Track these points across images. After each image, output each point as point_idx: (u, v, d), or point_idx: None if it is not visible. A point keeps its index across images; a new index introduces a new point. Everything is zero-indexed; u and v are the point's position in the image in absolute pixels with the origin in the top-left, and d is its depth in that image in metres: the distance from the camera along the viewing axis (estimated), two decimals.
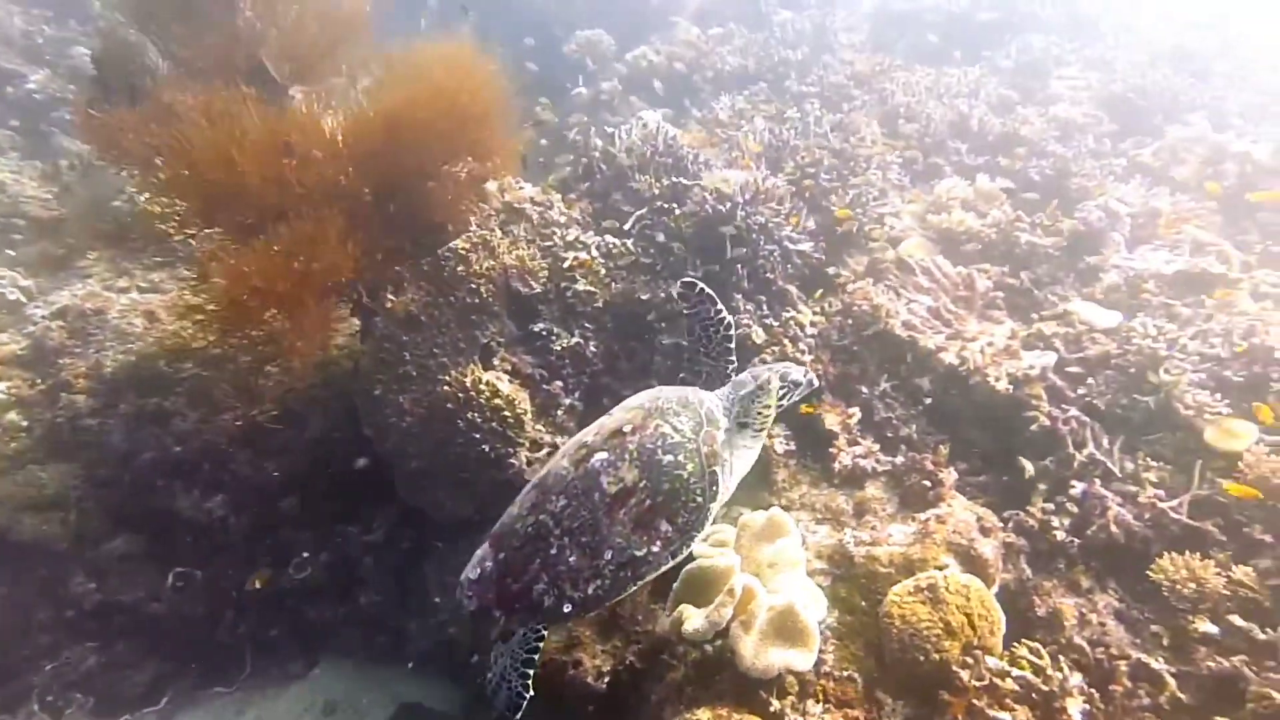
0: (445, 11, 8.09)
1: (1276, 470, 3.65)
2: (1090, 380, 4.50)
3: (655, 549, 3.17)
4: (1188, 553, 3.56)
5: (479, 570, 3.25)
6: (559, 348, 4.77)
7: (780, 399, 3.63)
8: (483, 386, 4.38)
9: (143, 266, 6.10)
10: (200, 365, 5.31)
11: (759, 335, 5.06)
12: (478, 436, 4.37)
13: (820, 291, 5.48)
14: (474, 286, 4.49)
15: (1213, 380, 4.26)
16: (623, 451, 3.29)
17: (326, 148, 3.95)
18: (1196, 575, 3.43)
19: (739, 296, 5.18)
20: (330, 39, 4.50)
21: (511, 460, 4.46)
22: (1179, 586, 3.43)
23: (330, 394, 5.33)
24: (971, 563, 3.45)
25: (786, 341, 4.97)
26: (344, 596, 5.62)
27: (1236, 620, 3.35)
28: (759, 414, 3.51)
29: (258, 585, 5.28)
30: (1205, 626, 3.37)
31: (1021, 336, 4.97)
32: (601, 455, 3.28)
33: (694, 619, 3.06)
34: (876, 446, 4.43)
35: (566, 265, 4.88)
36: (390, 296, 4.39)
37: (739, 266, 5.21)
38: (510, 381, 4.59)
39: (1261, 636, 3.28)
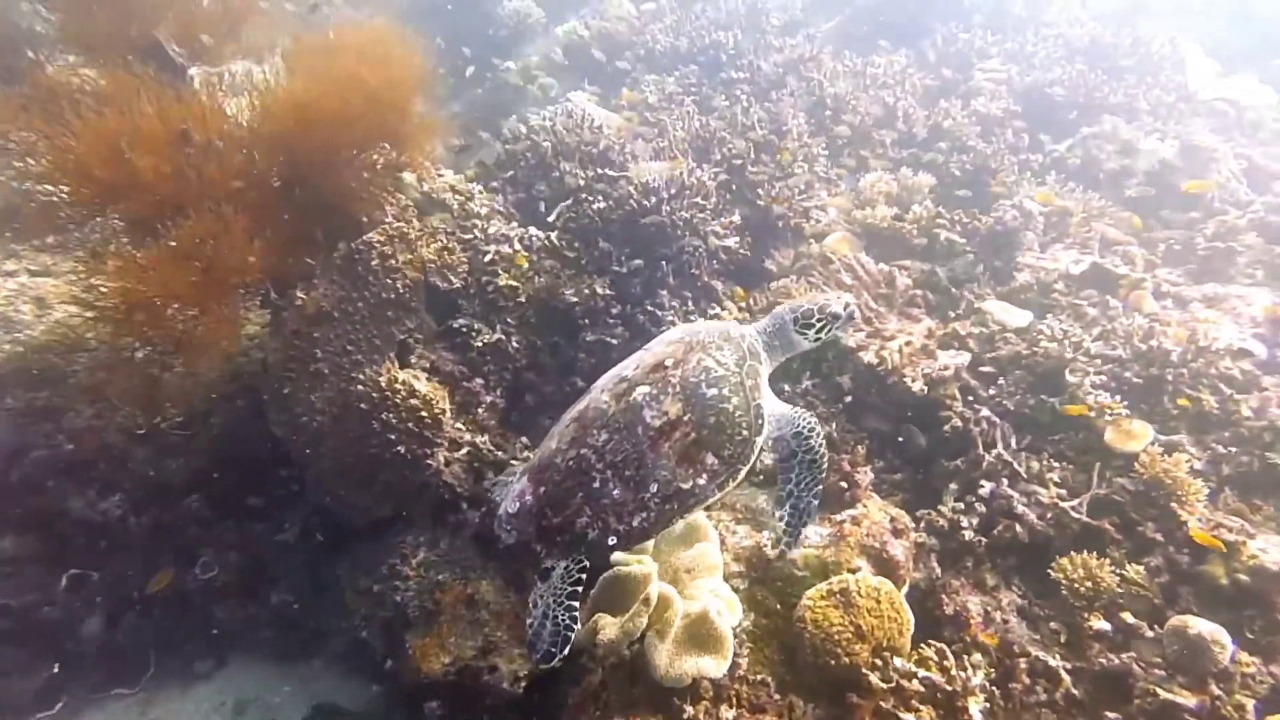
0: None
1: (1168, 470, 3.93)
2: (1001, 380, 4.73)
3: (701, 481, 3.22)
4: (1086, 552, 3.81)
5: (518, 504, 3.24)
6: (480, 344, 4.73)
7: (820, 331, 3.67)
8: (399, 385, 4.31)
9: (32, 248, 5.72)
10: (95, 359, 5.04)
11: None
12: (393, 437, 4.31)
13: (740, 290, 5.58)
14: (390, 281, 4.39)
15: (1114, 381, 4.54)
16: (665, 385, 3.32)
17: (229, 136, 3.76)
18: (1093, 574, 3.69)
19: (664, 293, 5.21)
20: (234, 16, 4.27)
21: (429, 461, 4.41)
22: (1076, 585, 3.69)
23: (237, 388, 5.15)
24: (883, 565, 3.61)
25: None
26: (255, 596, 5.50)
27: (1128, 618, 3.62)
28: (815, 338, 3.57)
29: (160, 586, 5.11)
30: (1099, 624, 3.63)
31: (938, 336, 5.17)
32: (644, 389, 3.29)
33: (609, 629, 3.13)
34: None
35: (488, 259, 4.81)
36: (301, 293, 4.25)
37: (664, 262, 5.25)
38: (428, 379, 4.52)
39: (1149, 634, 3.56)
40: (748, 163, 6.11)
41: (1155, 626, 3.58)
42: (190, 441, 5.13)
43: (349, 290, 4.32)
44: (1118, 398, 4.40)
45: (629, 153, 5.69)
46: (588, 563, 3.20)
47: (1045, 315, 5.17)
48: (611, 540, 3.14)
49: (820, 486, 3.50)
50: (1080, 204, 6.40)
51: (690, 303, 5.39)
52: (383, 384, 4.29)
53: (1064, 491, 4.11)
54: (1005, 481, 4.13)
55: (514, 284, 4.86)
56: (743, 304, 5.63)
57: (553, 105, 6.68)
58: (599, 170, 5.40)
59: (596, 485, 3.15)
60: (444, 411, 4.42)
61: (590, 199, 5.25)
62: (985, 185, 6.64)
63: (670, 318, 5.16)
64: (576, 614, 3.12)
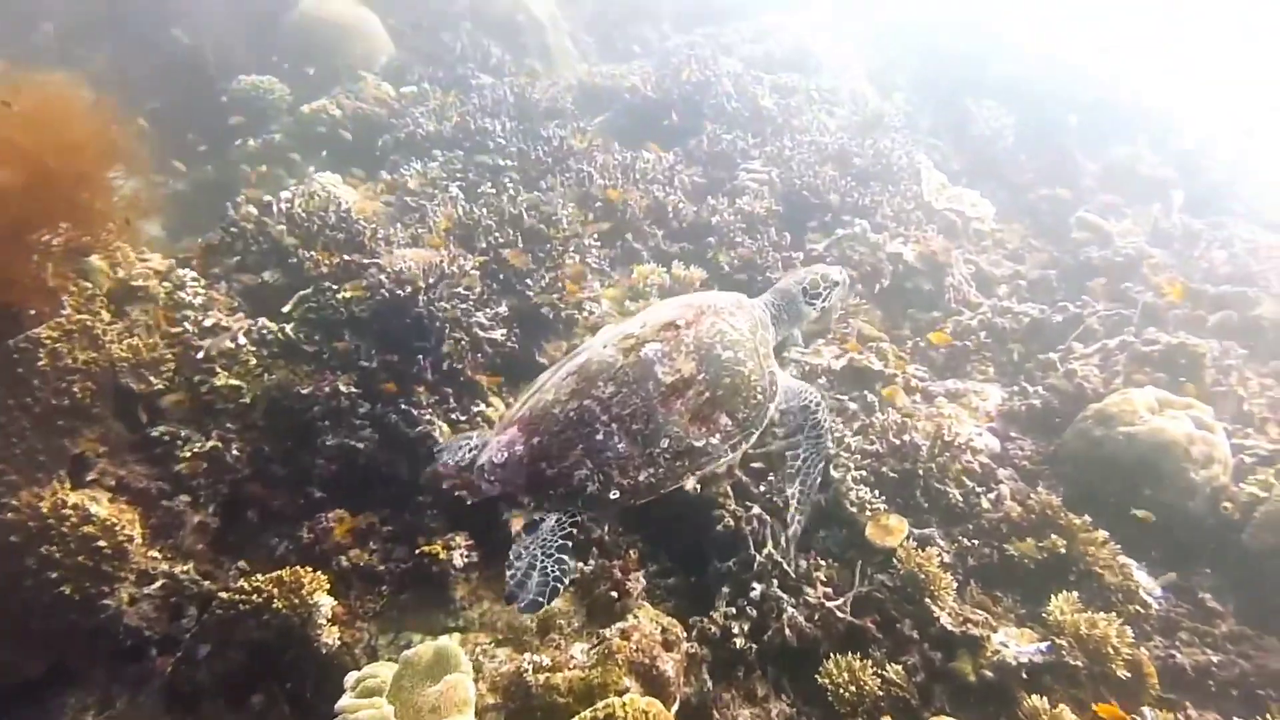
0: (65, 36, 7.09)
1: (922, 565, 4.24)
2: (771, 476, 4.94)
3: (715, 440, 3.32)
4: (850, 653, 3.97)
5: (505, 454, 3.19)
6: (188, 454, 4.19)
7: (825, 300, 4.05)
8: (68, 510, 3.67)
9: None
10: None
11: (443, 433, 4.89)
12: (56, 576, 3.63)
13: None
14: (63, 385, 3.80)
15: (874, 476, 4.90)
16: (678, 343, 3.39)
17: None
18: (856, 677, 3.83)
19: (421, 390, 4.98)
20: None
21: (106, 601, 3.75)
22: (841, 690, 3.80)
23: None
24: (653, 682, 3.51)
25: None
26: None
27: None
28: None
29: None
30: None
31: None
32: (655, 345, 3.36)
33: None
34: None
35: (203, 355, 4.34)
36: None
37: (422, 357, 5.04)
38: (111, 500, 3.90)
39: None
40: (515, 252, 6.13)
41: None
42: None
43: (3, 398, 3.66)
44: (877, 492, 4.75)
45: (382, 239, 5.50)
46: (580, 518, 3.21)
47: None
48: (614, 494, 3.17)
49: (825, 464, 3.80)
50: (839, 301, 7.07)
51: (451, 399, 5.18)
52: (45, 510, 3.63)
53: (830, 590, 4.30)
54: (775, 582, 4.24)
55: (236, 383, 4.41)
56: (510, 399, 5.53)
57: (295, 186, 6.35)
58: (346, 257, 5.16)
59: (600, 438, 3.16)
60: (131, 539, 3.80)
61: (335, 288, 4.96)
62: (754, 279, 7.14)
63: (428, 416, 4.92)
64: (568, 566, 3.11)
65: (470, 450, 3.89)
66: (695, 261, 7.25)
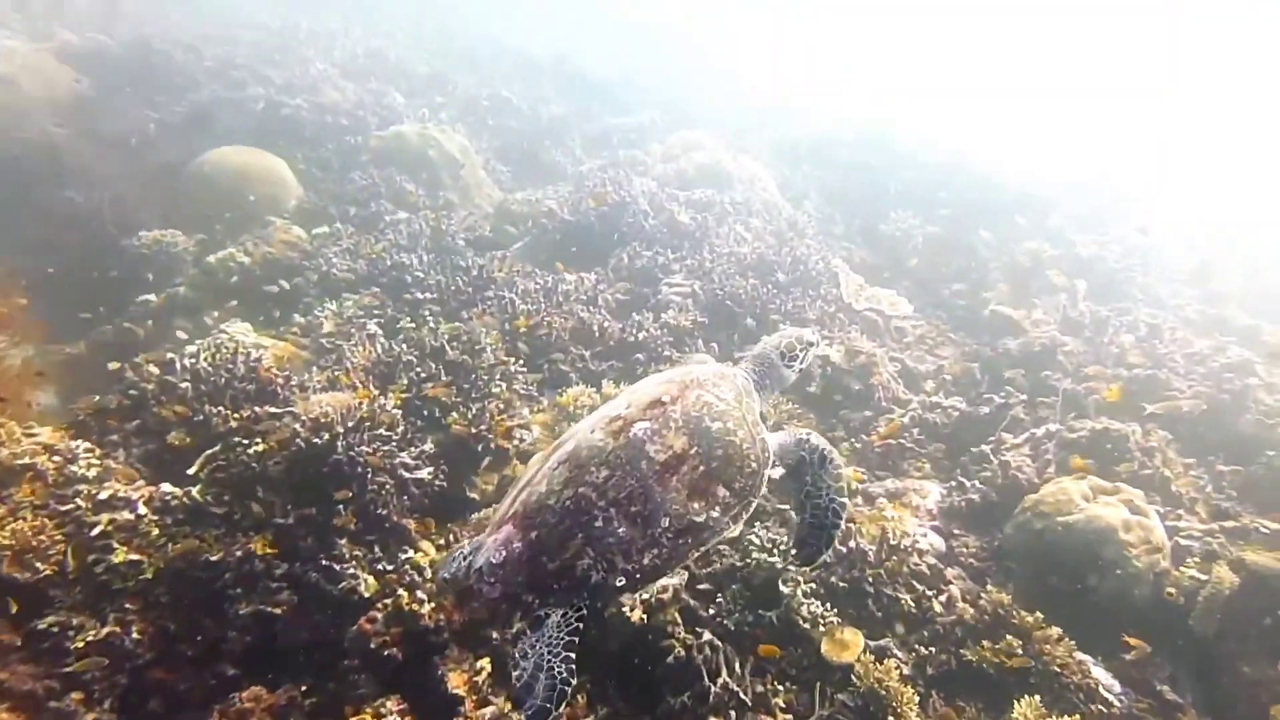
0: None
1: (881, 680, 4.15)
2: (720, 598, 4.83)
3: (715, 514, 3.29)
4: None
5: (503, 553, 3.15)
6: (81, 644, 3.85)
7: (802, 362, 4.19)
8: None
9: None
10: None
11: (368, 586, 4.65)
12: None
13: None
14: None
15: (823, 588, 4.84)
16: (666, 420, 3.40)
17: None
18: None
19: (342, 542, 4.76)
20: None
21: None
22: None
23: None
24: None
25: (403, 591, 4.62)
26: None
27: None
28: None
29: None
30: None
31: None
32: (643, 425, 3.35)
33: None
34: (509, 706, 4.19)
35: (97, 532, 4.07)
36: None
37: (342, 506, 4.84)
38: None
39: None
40: (439, 385, 6.07)
41: None
42: None
43: None
44: (829, 605, 4.68)
45: (296, 386, 5.38)
46: (586, 610, 3.14)
47: (754, 524, 5.49)
48: (619, 581, 3.12)
49: (841, 483, 3.73)
50: (772, 405, 7.16)
51: (377, 548, 4.96)
52: None
53: (790, 717, 4.16)
54: (733, 714, 4.08)
55: (136, 558, 4.13)
56: (442, 541, 5.34)
57: (203, 339, 6.21)
58: (257, 408, 5.00)
59: (599, 524, 3.14)
60: None
61: (246, 443, 4.78)
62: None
63: (352, 570, 4.68)
64: (574, 665, 3.03)
65: (464, 558, 3.75)
66: (626, 379, 7.28)
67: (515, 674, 3.09)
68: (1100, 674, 4.63)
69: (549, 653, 3.05)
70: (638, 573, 3.17)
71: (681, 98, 19.47)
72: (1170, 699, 4.74)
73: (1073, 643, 4.64)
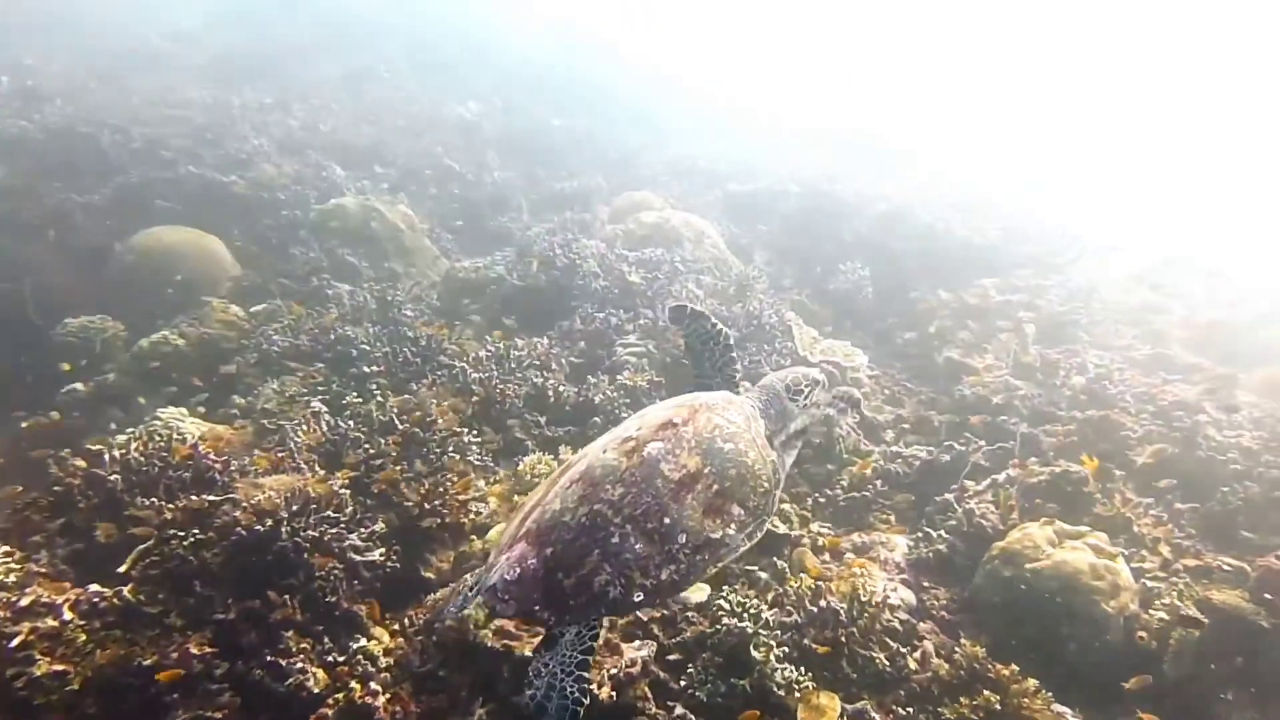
0: None
1: None
2: (690, 668, 4.72)
3: (731, 531, 3.39)
4: None
5: (517, 570, 3.19)
6: None
7: (807, 397, 4.34)
8: None
9: None
10: None
11: (318, 680, 4.44)
12: None
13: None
14: None
15: (796, 650, 4.75)
16: (679, 440, 3.49)
17: None
18: None
19: (288, 634, 4.55)
20: None
21: None
22: None
23: None
24: None
25: (355, 684, 4.43)
26: None
27: None
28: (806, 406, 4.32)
29: None
30: None
31: (620, 624, 5.11)
32: (656, 444, 3.45)
33: None
34: None
35: (16, 643, 3.83)
36: None
37: (288, 595, 4.64)
38: None
39: None
40: (389, 462, 5.94)
41: None
42: None
43: None
44: (803, 669, 4.59)
45: (237, 471, 5.21)
46: (600, 630, 3.25)
47: (723, 586, 5.41)
48: (638, 597, 3.20)
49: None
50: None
51: (328, 639, 4.76)
52: None
53: None
54: None
55: (61, 668, 3.88)
56: (395, 626, 5.15)
57: (135, 428, 6.00)
58: (192, 498, 4.81)
59: (616, 540, 3.20)
60: None
61: (182, 535, 4.58)
62: None
63: (299, 665, 4.47)
64: (588, 685, 3.11)
65: (470, 590, 3.89)
66: (583, 444, 7.21)
67: (529, 693, 3.19)
68: None
69: (562, 672, 3.14)
70: (656, 588, 3.24)
71: (629, 154, 19.89)
72: None
73: (1049, 694, 4.61)
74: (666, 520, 3.30)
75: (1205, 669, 5.05)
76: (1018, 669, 4.71)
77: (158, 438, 5.20)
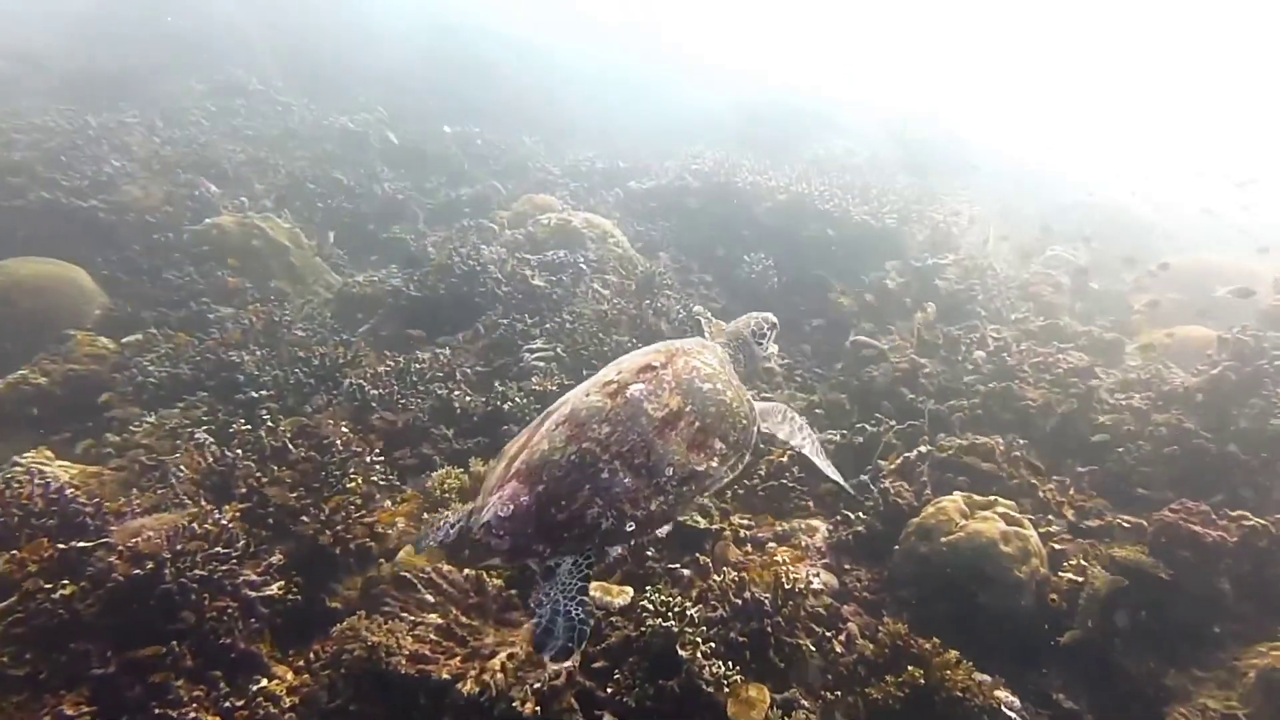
0: None
1: None
2: (617, 674, 4.63)
3: (714, 464, 3.63)
4: None
5: (510, 507, 3.34)
6: None
7: (768, 340, 5.12)
8: None
9: None
10: None
11: None
12: None
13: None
14: None
15: (724, 645, 4.73)
16: (660, 381, 3.74)
17: None
18: None
19: (178, 684, 4.26)
20: None
21: None
22: None
23: None
24: None
25: None
26: None
27: None
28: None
29: None
30: None
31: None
32: (638, 386, 3.68)
33: None
34: None
35: None
36: None
37: (175, 642, 4.36)
38: None
39: None
40: (284, 489, 5.67)
41: None
42: None
43: None
44: (730, 663, 4.57)
45: (109, 514, 4.87)
46: (594, 559, 3.44)
47: (645, 587, 5.35)
48: (629, 526, 3.39)
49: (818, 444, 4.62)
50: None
51: (224, 684, 4.49)
52: None
53: None
54: None
55: None
56: (301, 662, 4.91)
57: None
58: (62, 545, 4.47)
59: (605, 475, 3.40)
60: None
61: (49, 588, 4.24)
62: None
63: (193, 715, 4.21)
64: (590, 608, 3.32)
65: (454, 525, 4.02)
66: (494, 454, 7.04)
67: (534, 621, 3.37)
68: (1001, 693, 4.72)
69: (564, 598, 3.31)
70: (646, 518, 3.42)
71: (525, 158, 19.69)
72: (1068, 707, 4.89)
73: (970, 664, 4.71)
74: (653, 455, 3.49)
75: (1112, 625, 5.26)
76: (939, 642, 4.80)
77: (17, 484, 4.80)
